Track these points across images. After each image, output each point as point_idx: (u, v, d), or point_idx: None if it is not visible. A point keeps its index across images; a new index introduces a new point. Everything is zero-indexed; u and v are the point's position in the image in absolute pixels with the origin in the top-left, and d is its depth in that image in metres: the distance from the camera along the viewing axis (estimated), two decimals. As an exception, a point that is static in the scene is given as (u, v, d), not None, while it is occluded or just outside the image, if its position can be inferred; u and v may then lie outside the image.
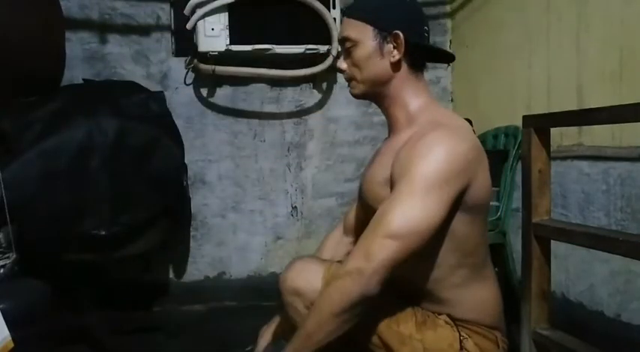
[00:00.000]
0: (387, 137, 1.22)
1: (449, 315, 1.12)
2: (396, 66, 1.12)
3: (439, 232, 1.05)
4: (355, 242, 1.30)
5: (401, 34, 1.09)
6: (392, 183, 1.05)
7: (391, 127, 1.19)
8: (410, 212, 0.98)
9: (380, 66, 1.12)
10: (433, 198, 0.98)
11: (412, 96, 1.14)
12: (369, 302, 0.99)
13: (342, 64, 1.17)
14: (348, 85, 1.19)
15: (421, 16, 1.17)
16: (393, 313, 1.11)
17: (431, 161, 1.00)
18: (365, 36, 1.11)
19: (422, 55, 1.15)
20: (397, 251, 0.97)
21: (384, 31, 1.10)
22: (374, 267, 0.97)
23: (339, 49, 1.38)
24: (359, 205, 1.33)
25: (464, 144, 1.04)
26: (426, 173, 0.99)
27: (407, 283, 1.14)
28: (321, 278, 1.07)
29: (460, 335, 1.09)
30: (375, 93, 1.16)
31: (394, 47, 1.11)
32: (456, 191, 1.01)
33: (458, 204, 1.04)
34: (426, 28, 1.16)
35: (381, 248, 0.97)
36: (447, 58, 1.21)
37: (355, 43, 1.12)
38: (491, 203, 1.35)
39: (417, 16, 1.16)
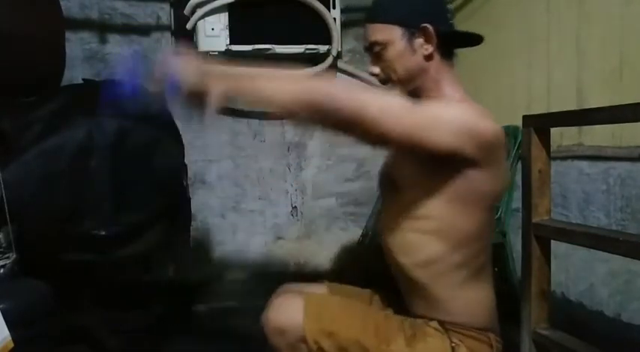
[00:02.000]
0: None
1: (439, 321, 1.11)
2: (429, 58, 1.12)
3: (437, 220, 1.05)
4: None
5: (429, 27, 1.09)
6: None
7: None
8: (386, 99, 1.01)
9: (414, 61, 1.12)
10: (422, 115, 1.00)
11: (449, 88, 1.14)
12: (312, 114, 0.99)
13: (375, 69, 1.16)
14: (385, 89, 1.18)
15: (443, 3, 1.17)
16: (381, 332, 1.10)
17: (449, 108, 1.03)
18: (393, 36, 1.11)
19: (452, 42, 1.16)
20: (370, 104, 0.98)
21: (412, 28, 1.10)
22: (345, 98, 0.97)
23: (340, 49, 1.38)
24: (379, 182, 1.32)
25: (488, 124, 1.04)
26: (429, 107, 1.02)
27: (406, 276, 1.14)
28: (302, 311, 1.06)
29: (451, 342, 1.08)
30: (413, 90, 1.15)
31: (425, 41, 1.11)
32: (449, 143, 0.99)
33: (461, 187, 1.03)
34: (449, 14, 1.16)
35: (365, 98, 0.99)
36: (476, 40, 1.21)
37: (384, 46, 1.12)
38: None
39: (440, 4, 1.16)
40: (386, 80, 1.16)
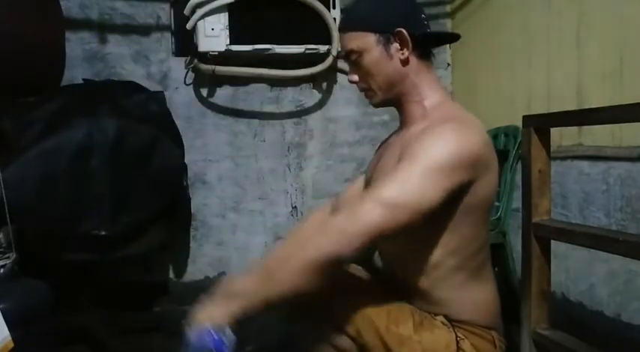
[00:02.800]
0: (398, 130, 1.22)
1: (445, 316, 1.12)
2: (405, 62, 1.12)
3: (441, 231, 1.04)
4: None
5: (404, 31, 1.09)
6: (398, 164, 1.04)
7: (404, 121, 1.18)
8: (405, 186, 0.96)
9: (391, 67, 1.11)
10: (433, 178, 0.97)
11: (428, 90, 1.14)
12: (340, 266, 0.97)
13: (354, 77, 1.16)
14: (366, 97, 1.18)
15: (416, 5, 1.16)
16: (393, 314, 1.10)
17: (440, 146, 0.99)
18: (368, 43, 1.10)
19: (428, 43, 1.15)
20: (384, 219, 0.95)
21: (386, 33, 1.10)
22: (357, 230, 0.94)
23: (339, 49, 1.37)
24: (343, 195, 1.32)
25: (475, 139, 1.03)
26: (432, 154, 0.98)
27: (406, 282, 1.14)
28: None
29: (457, 336, 1.09)
30: (394, 96, 1.15)
31: (400, 45, 1.10)
32: (457, 182, 0.99)
33: (460, 200, 1.03)
34: (423, 15, 1.15)
35: (369, 212, 0.95)
36: (451, 38, 1.20)
37: (360, 53, 1.11)
38: (491, 203, 1.34)
39: (412, 6, 1.16)
40: (366, 88, 1.16)
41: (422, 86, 1.13)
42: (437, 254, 1.08)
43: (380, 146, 1.31)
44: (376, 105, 1.19)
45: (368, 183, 1.24)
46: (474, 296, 1.12)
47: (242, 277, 1.02)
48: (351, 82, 1.17)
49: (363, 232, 0.95)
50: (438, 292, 1.11)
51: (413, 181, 0.97)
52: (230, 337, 0.96)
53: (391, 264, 1.15)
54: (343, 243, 0.94)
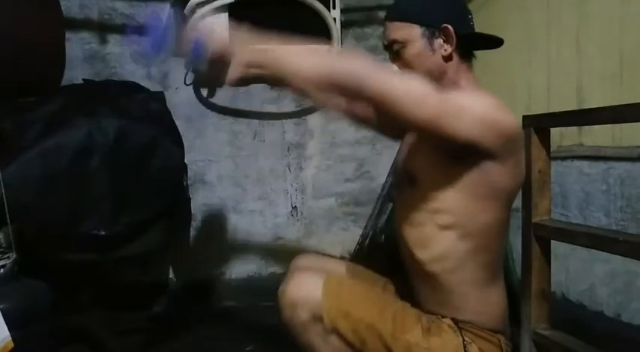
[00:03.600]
0: None
1: (453, 318, 1.11)
2: (448, 58, 1.12)
3: (455, 214, 1.04)
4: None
5: (450, 27, 1.09)
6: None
7: None
8: (412, 82, 0.99)
9: (432, 61, 1.12)
10: (445, 103, 0.98)
11: (466, 88, 1.14)
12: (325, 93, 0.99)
13: (393, 67, 1.16)
14: None
15: (464, 4, 1.17)
16: (398, 320, 1.10)
17: (466, 96, 1.01)
18: (413, 35, 1.11)
19: (472, 44, 1.15)
20: (384, 89, 0.96)
21: (432, 27, 1.10)
22: (366, 74, 0.96)
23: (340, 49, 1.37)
24: (394, 174, 1.32)
25: (512, 119, 1.03)
26: (453, 95, 1.00)
27: (420, 271, 1.14)
28: (321, 289, 1.05)
29: (464, 340, 1.08)
30: None
31: (444, 41, 1.11)
32: (469, 133, 0.98)
33: (479, 180, 1.02)
34: (470, 16, 1.16)
35: (378, 75, 0.98)
36: (496, 43, 1.20)
37: (404, 44, 1.12)
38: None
39: (461, 5, 1.16)
40: None
41: (460, 85, 1.14)
42: (455, 242, 1.07)
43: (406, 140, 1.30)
44: None
45: (399, 164, 1.24)
46: (484, 297, 1.12)
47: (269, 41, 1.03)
48: None
49: (372, 83, 0.96)
50: (451, 284, 1.10)
51: (423, 88, 0.98)
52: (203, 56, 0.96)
53: (410, 248, 1.14)
54: (354, 76, 0.96)
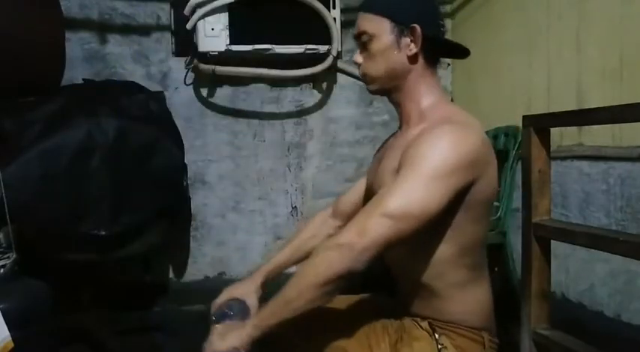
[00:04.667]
0: (398, 131, 1.22)
1: (431, 321, 1.11)
2: (412, 59, 1.12)
3: (442, 227, 1.05)
4: (337, 226, 1.31)
5: (418, 28, 1.09)
6: (399, 171, 1.05)
7: (402, 122, 1.19)
8: (410, 194, 0.98)
9: (397, 59, 1.12)
10: (436, 185, 0.98)
11: (426, 92, 1.14)
12: (353, 277, 0.98)
13: (358, 58, 1.16)
14: (364, 81, 1.19)
15: (437, 9, 1.17)
16: (365, 338, 1.11)
17: (439, 150, 1.00)
18: (382, 30, 1.11)
19: (438, 50, 1.16)
20: (391, 231, 0.96)
21: (402, 25, 1.10)
22: (366, 243, 0.96)
23: (340, 49, 1.37)
24: (365, 197, 1.33)
25: (474, 139, 1.04)
26: (432, 161, 0.99)
27: (404, 276, 1.14)
28: None
29: (438, 344, 1.08)
30: (390, 88, 1.16)
31: (411, 41, 1.11)
32: (460, 184, 1.00)
33: (461, 199, 1.03)
34: (441, 22, 1.16)
35: (376, 225, 0.97)
36: (462, 52, 1.21)
37: (372, 37, 1.12)
38: (491, 203, 1.34)
39: (434, 9, 1.16)
40: (365, 73, 1.17)
41: (421, 86, 1.14)
42: (441, 247, 1.08)
43: (379, 148, 1.31)
44: (372, 92, 1.20)
45: (370, 187, 1.24)
46: (470, 297, 1.12)
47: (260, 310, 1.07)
48: (355, 62, 1.18)
49: (372, 245, 0.97)
50: (437, 288, 1.11)
51: (416, 190, 0.98)
52: None
53: (396, 254, 1.15)
54: (353, 258, 0.96)
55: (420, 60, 1.13)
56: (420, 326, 1.11)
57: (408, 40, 1.11)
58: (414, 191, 0.98)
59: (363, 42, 1.14)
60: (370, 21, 1.12)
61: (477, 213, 1.08)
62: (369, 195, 1.24)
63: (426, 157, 1.00)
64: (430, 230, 1.06)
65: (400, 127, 1.21)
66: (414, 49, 1.11)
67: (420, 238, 1.08)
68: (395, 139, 1.20)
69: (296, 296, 1.00)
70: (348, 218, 1.24)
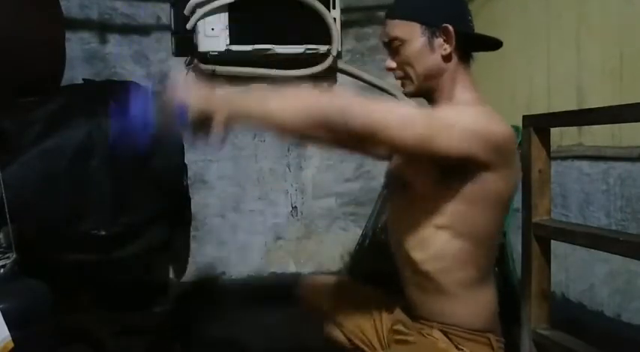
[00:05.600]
0: None
1: (442, 324, 1.11)
2: (447, 59, 1.12)
3: (451, 215, 1.05)
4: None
5: (450, 27, 1.09)
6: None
7: None
8: (396, 108, 1.01)
9: (432, 60, 1.12)
10: (429, 116, 1.00)
11: (461, 90, 1.14)
12: (323, 134, 0.99)
13: (391, 64, 1.16)
14: (401, 85, 1.19)
15: (465, 5, 1.17)
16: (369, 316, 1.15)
17: (457, 111, 1.02)
18: (413, 33, 1.11)
19: (471, 45, 1.16)
20: (370, 119, 0.97)
21: (433, 26, 1.11)
22: (340, 101, 0.98)
23: (340, 49, 1.37)
24: (385, 185, 1.33)
25: (502, 127, 1.04)
26: (441, 111, 1.01)
27: (414, 272, 1.14)
28: None
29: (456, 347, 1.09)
30: (428, 89, 1.15)
31: (444, 40, 1.11)
32: (461, 149, 0.99)
33: (472, 186, 1.03)
34: (470, 17, 1.16)
35: (362, 107, 0.99)
36: (494, 44, 1.20)
37: (403, 42, 1.12)
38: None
39: (462, 5, 1.17)
40: (402, 76, 1.16)
41: (456, 85, 1.14)
42: (450, 242, 1.08)
43: None
44: (409, 95, 1.19)
45: (392, 168, 1.24)
46: (475, 298, 1.12)
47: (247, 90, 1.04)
48: (388, 68, 1.18)
49: (344, 106, 0.98)
50: (444, 285, 1.10)
51: (413, 114, 1.00)
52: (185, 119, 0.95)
53: (404, 248, 1.15)
54: (337, 111, 0.97)
55: (454, 58, 1.13)
56: (433, 334, 1.11)
57: (440, 40, 1.11)
58: (407, 111, 1.00)
59: (394, 48, 1.14)
60: (400, 26, 1.12)
61: (488, 206, 1.07)
62: (389, 178, 1.24)
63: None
64: (441, 217, 1.06)
65: None
66: (448, 48, 1.11)
67: (427, 228, 1.08)
68: None
69: (279, 108, 0.97)
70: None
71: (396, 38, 1.13)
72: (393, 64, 1.16)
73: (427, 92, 1.16)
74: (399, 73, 1.16)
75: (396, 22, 1.13)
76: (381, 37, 1.18)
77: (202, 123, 0.95)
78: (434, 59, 1.12)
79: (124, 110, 0.94)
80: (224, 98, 0.97)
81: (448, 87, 1.14)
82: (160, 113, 0.95)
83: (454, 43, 1.10)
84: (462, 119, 1.01)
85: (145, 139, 0.94)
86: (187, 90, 0.96)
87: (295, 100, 0.98)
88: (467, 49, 1.15)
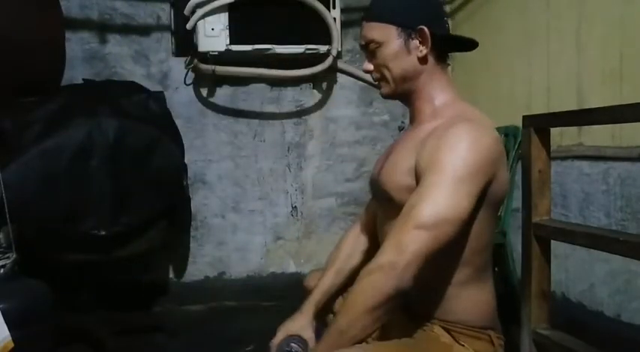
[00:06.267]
0: (408, 128, 1.23)
1: (440, 321, 1.11)
2: (423, 60, 1.13)
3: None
4: (370, 238, 1.32)
5: (426, 29, 1.10)
6: (418, 173, 1.06)
7: (414, 119, 1.20)
8: (440, 202, 0.98)
9: (408, 62, 1.13)
10: (463, 187, 0.99)
11: (439, 91, 1.15)
12: (403, 296, 0.99)
13: (368, 66, 1.17)
14: (378, 86, 1.20)
15: (440, 7, 1.19)
16: None
17: (460, 152, 1.01)
18: (389, 36, 1.12)
19: (446, 47, 1.17)
20: (429, 241, 0.97)
21: (409, 29, 1.12)
22: (407, 259, 0.96)
23: (340, 49, 1.38)
24: (372, 201, 1.33)
25: (489, 137, 1.05)
26: (455, 164, 1.00)
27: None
28: None
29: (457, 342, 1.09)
30: (404, 90, 1.16)
31: (420, 42, 1.12)
32: (483, 183, 1.02)
33: (482, 198, 1.04)
34: (445, 18, 1.18)
35: (413, 239, 0.97)
36: (470, 45, 1.21)
37: (380, 44, 1.13)
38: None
39: (437, 8, 1.18)
40: (379, 78, 1.18)
41: (434, 86, 1.15)
42: (452, 247, 1.08)
43: (390, 147, 1.31)
44: (385, 96, 1.20)
45: (374, 180, 1.24)
46: (474, 296, 1.12)
47: (317, 345, 1.07)
48: (366, 71, 1.19)
49: (413, 260, 0.97)
50: (441, 286, 1.11)
51: (445, 196, 0.99)
52: None
53: None
54: (398, 276, 0.97)
55: (430, 59, 1.14)
56: (434, 330, 1.11)
57: (416, 42, 1.12)
58: (442, 197, 0.98)
59: (371, 50, 1.15)
60: (376, 29, 1.13)
61: (489, 214, 1.08)
62: (374, 188, 1.24)
63: (448, 161, 1.01)
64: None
65: (411, 124, 1.21)
66: (424, 50, 1.12)
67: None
68: (406, 135, 1.21)
69: (348, 325, 1.00)
70: (375, 227, 1.27)
71: (372, 41, 1.14)
72: (370, 67, 1.17)
73: (404, 94, 1.17)
74: (376, 74, 1.17)
75: (373, 24, 1.14)
76: (358, 40, 1.19)
77: None
78: (410, 61, 1.13)
79: None
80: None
81: (426, 88, 1.15)
82: None
83: (430, 44, 1.11)
84: (466, 159, 1.01)
85: None
86: None
87: (356, 309, 1.00)
88: (443, 50, 1.16)
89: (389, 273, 0.97)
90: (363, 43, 1.17)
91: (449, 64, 1.20)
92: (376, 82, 1.20)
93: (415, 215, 0.98)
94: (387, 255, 0.99)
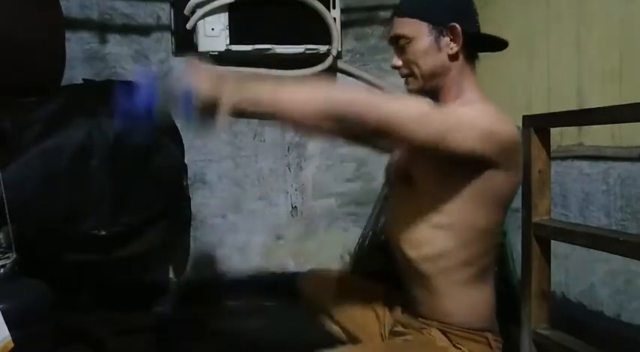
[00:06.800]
0: None
1: (439, 322, 1.11)
2: (453, 58, 1.13)
3: (452, 214, 1.05)
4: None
5: (458, 26, 1.10)
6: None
7: None
8: (404, 101, 1.00)
9: (438, 59, 1.12)
10: (438, 114, 0.99)
11: (466, 89, 1.15)
12: (333, 126, 0.98)
13: (398, 62, 1.16)
14: (405, 83, 1.19)
15: (472, 5, 1.17)
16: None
17: (464, 108, 1.02)
18: (420, 32, 1.12)
19: (477, 45, 1.16)
20: (353, 102, 0.97)
21: (440, 25, 1.11)
22: (364, 104, 0.97)
23: (340, 49, 1.37)
24: (386, 176, 1.32)
25: (510, 127, 1.05)
26: (452, 110, 1.01)
27: (412, 271, 1.14)
28: None
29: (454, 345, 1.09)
30: (432, 87, 1.16)
31: (451, 40, 1.11)
32: (473, 147, 1.00)
33: (475, 185, 1.04)
34: (477, 16, 1.16)
35: (377, 101, 0.99)
36: (501, 45, 1.20)
37: (410, 40, 1.12)
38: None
39: (469, 5, 1.16)
40: (408, 74, 1.16)
41: (462, 85, 1.14)
42: (449, 242, 1.08)
43: None
44: (413, 92, 1.19)
45: (393, 174, 1.24)
46: (473, 297, 1.12)
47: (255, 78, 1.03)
48: (394, 66, 1.18)
49: (372, 112, 0.97)
50: (441, 285, 1.10)
51: (416, 103, 1.01)
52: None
53: (403, 247, 1.15)
54: (352, 108, 0.97)
55: (460, 57, 1.13)
56: (432, 333, 1.11)
57: (447, 39, 1.11)
58: (410, 101, 1.02)
59: (401, 46, 1.14)
60: (407, 24, 1.12)
61: (490, 205, 1.07)
62: (392, 170, 1.24)
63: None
64: (442, 216, 1.06)
65: None
66: (455, 48, 1.11)
67: (431, 228, 1.08)
68: None
69: (290, 97, 0.97)
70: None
71: (403, 36, 1.13)
72: (399, 62, 1.16)
73: (432, 91, 1.16)
74: (405, 70, 1.16)
75: (404, 19, 1.13)
76: (387, 35, 1.18)
77: (209, 108, 0.93)
78: (440, 58, 1.12)
79: (128, 95, 0.93)
80: (234, 83, 0.96)
81: (454, 86, 1.14)
82: (165, 96, 0.93)
83: (461, 42, 1.10)
84: (473, 117, 1.02)
85: (150, 125, 0.94)
86: (195, 74, 0.95)
87: (307, 91, 0.98)
88: (473, 48, 1.15)
89: (347, 95, 1.01)
90: (392, 36, 1.15)
91: (477, 63, 1.18)
92: (403, 78, 1.18)
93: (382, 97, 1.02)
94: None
